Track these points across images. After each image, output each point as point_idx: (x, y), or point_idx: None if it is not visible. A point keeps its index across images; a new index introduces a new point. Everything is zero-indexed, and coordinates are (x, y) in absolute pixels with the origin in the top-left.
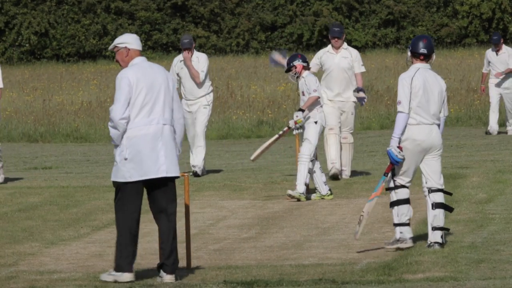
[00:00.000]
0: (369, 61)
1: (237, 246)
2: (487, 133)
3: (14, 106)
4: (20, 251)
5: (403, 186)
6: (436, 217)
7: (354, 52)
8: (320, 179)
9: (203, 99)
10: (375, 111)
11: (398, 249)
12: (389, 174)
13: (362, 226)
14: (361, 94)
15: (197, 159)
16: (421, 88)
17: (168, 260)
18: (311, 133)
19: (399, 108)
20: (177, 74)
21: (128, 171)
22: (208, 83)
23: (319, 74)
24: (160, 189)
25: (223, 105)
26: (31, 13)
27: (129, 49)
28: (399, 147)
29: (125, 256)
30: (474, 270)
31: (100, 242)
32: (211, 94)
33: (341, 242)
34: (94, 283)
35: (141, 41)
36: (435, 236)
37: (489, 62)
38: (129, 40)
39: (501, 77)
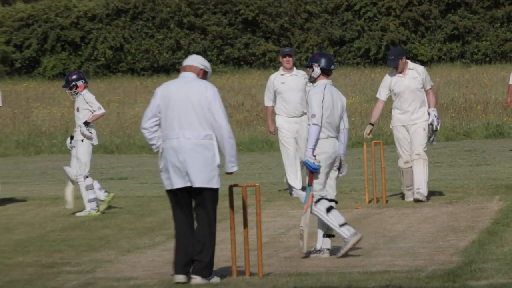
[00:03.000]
0: (435, 75)
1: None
2: None
3: None
4: (97, 258)
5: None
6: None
7: (421, 69)
8: (86, 197)
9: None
10: (441, 123)
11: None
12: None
13: (305, 239)
14: (432, 120)
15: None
16: (330, 103)
17: (198, 263)
18: (80, 153)
19: (313, 121)
20: (275, 91)
21: (165, 180)
22: None
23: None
24: (197, 198)
25: None
26: (106, 28)
27: (181, 68)
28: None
29: (176, 257)
30: None
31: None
32: None
33: (407, 250)
34: None
35: (212, 55)
36: (326, 243)
37: None
38: (184, 62)
39: None
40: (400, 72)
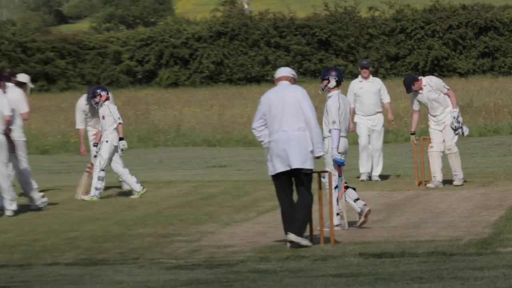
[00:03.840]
0: (470, 84)
1: (370, 226)
2: None
3: (197, 119)
4: (202, 230)
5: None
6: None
7: (433, 81)
8: (131, 180)
9: (380, 115)
10: (475, 122)
11: (365, 219)
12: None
13: (345, 219)
14: (455, 124)
15: (376, 170)
16: (343, 110)
17: (294, 223)
18: (103, 150)
19: (335, 126)
20: (355, 94)
21: (270, 167)
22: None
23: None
24: (295, 178)
25: None
26: (209, 47)
27: (274, 78)
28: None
29: (283, 225)
30: None
31: (264, 223)
32: None
33: (449, 224)
34: (259, 255)
35: (293, 68)
36: (359, 203)
37: None
38: (275, 73)
39: None
40: (420, 90)
